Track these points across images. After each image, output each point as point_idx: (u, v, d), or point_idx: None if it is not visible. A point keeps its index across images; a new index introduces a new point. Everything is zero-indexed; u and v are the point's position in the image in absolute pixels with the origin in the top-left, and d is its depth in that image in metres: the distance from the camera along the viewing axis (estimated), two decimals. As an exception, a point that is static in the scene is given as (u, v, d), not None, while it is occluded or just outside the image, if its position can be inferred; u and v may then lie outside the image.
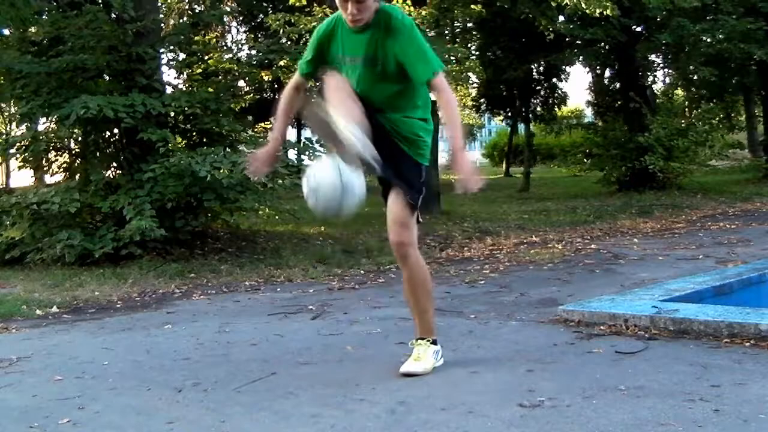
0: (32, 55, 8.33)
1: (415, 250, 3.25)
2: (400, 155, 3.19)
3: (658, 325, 3.76)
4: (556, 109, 26.48)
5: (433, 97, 3.27)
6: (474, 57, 16.76)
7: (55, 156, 8.89)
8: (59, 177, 8.98)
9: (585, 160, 17.66)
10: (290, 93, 3.35)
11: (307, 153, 8.83)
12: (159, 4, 10.95)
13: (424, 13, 11.56)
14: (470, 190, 2.94)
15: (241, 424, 2.69)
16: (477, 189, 2.93)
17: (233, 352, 3.89)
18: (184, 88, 9.48)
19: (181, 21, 14.00)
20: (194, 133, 8.92)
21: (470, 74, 14.15)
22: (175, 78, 10.54)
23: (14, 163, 10.50)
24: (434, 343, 3.32)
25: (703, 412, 2.54)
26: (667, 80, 25.79)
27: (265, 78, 11.43)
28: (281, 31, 11.77)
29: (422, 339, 3.30)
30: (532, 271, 6.44)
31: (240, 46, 19.53)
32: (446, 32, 15.18)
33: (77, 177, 8.59)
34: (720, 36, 15.40)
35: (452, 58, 11.48)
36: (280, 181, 8.02)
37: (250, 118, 12.07)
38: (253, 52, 11.54)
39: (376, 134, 3.01)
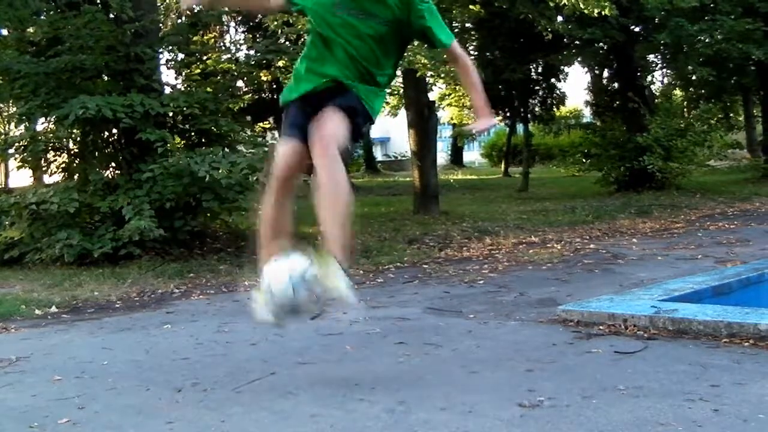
0: (31, 55, 8.33)
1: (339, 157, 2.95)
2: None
3: (657, 325, 3.76)
4: (555, 110, 26.43)
5: (449, 65, 3.47)
6: (472, 57, 16.76)
7: (54, 156, 8.88)
8: (58, 177, 8.98)
9: (584, 161, 17.64)
10: None
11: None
12: (157, 4, 10.95)
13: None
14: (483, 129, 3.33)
15: (240, 424, 2.69)
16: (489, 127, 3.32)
17: (233, 351, 3.89)
18: (183, 89, 9.48)
19: (179, 21, 13.98)
20: (193, 133, 8.92)
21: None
22: (174, 78, 10.55)
23: (13, 163, 10.49)
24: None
25: (703, 412, 2.54)
26: (666, 80, 25.81)
27: (264, 78, 11.42)
28: (279, 31, 11.76)
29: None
30: (531, 271, 6.44)
31: (238, 46, 19.50)
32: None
33: (76, 177, 8.59)
34: (718, 36, 15.40)
35: (451, 57, 11.47)
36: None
37: (248, 118, 12.07)
38: (252, 52, 11.54)
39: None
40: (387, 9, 3.05)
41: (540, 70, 22.59)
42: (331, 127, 2.99)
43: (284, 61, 10.22)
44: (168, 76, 19.95)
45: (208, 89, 9.02)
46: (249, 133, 9.89)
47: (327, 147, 2.93)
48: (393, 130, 38.55)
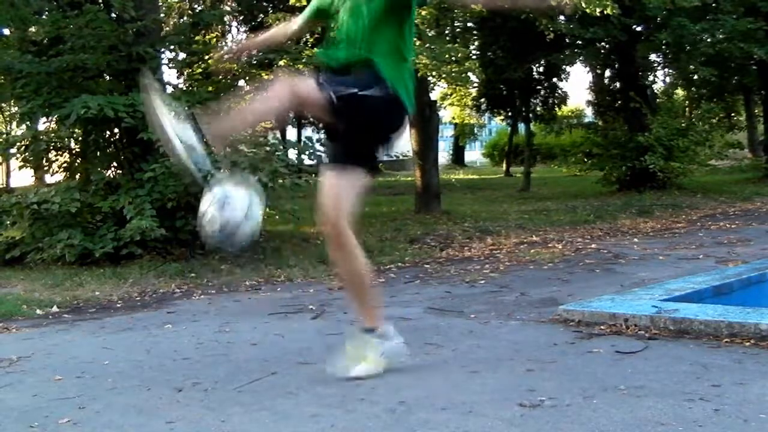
0: (32, 55, 8.33)
1: (348, 231, 3.14)
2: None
3: (658, 325, 3.76)
4: (557, 109, 26.44)
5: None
6: (474, 57, 16.75)
7: (56, 156, 8.88)
8: (59, 177, 8.98)
9: (585, 160, 17.63)
10: (289, 24, 3.57)
11: (307, 153, 8.84)
12: (159, 4, 10.94)
13: (424, 12, 11.54)
14: None
15: (241, 424, 2.69)
16: None
17: (233, 351, 3.89)
18: (185, 88, 9.48)
19: (181, 21, 14.00)
20: (194, 133, 8.92)
21: (470, 74, 14.14)
22: (175, 77, 10.55)
23: (14, 163, 10.51)
24: (374, 331, 3.21)
25: (704, 412, 2.54)
26: (667, 80, 25.78)
27: (266, 78, 11.40)
28: (281, 30, 11.75)
29: (366, 332, 3.20)
30: (533, 271, 6.44)
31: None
32: (446, 32, 15.16)
33: (77, 177, 8.60)
34: (720, 36, 15.39)
35: (452, 58, 11.46)
36: (280, 181, 8.02)
37: (250, 117, 12.03)
38: (254, 52, 11.54)
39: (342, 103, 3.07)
40: None
41: (542, 69, 22.58)
42: (330, 208, 3.11)
43: (286, 61, 10.21)
44: (170, 75, 19.95)
45: (210, 89, 9.02)
46: (250, 132, 9.87)
47: (333, 240, 3.16)
48: (394, 130, 38.45)
